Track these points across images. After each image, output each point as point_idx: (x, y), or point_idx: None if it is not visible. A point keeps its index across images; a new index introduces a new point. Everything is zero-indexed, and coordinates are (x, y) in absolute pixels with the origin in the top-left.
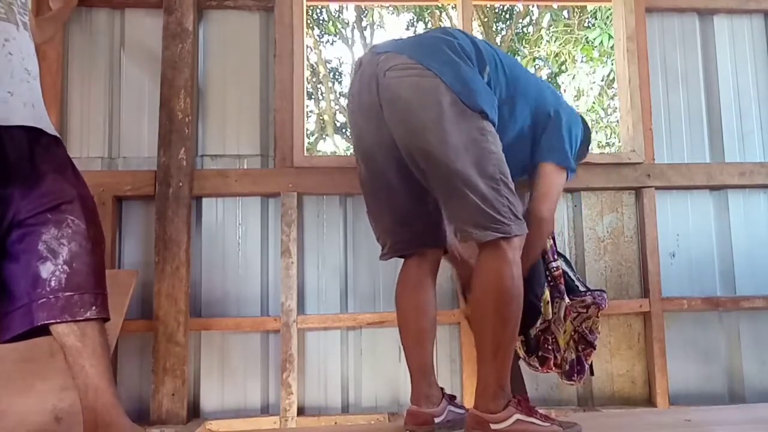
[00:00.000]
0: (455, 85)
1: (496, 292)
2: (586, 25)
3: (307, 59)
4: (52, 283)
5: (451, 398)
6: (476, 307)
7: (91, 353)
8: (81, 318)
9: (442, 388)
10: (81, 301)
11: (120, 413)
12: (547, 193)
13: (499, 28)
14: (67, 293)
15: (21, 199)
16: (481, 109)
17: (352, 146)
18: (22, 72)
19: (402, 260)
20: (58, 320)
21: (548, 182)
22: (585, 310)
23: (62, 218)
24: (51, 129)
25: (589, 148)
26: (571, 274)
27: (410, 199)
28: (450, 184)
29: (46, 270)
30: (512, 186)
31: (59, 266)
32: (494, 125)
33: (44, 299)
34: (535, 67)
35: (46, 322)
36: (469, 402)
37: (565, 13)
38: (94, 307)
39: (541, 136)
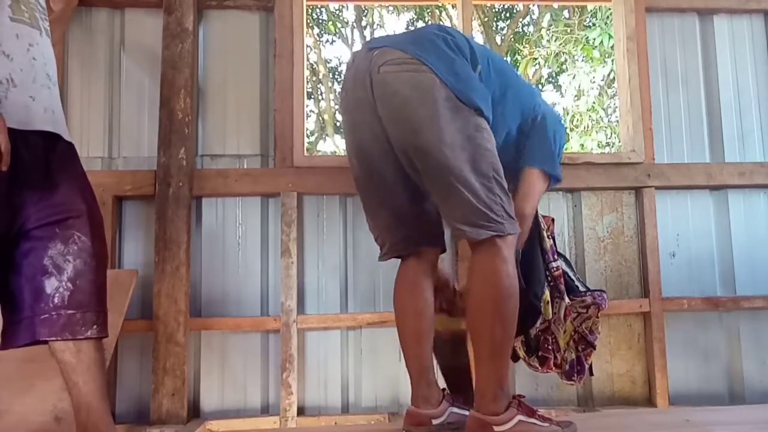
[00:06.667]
0: (450, 80)
1: (493, 291)
2: (586, 24)
3: (307, 59)
4: (56, 300)
5: (455, 399)
6: (473, 306)
7: (84, 370)
8: (81, 337)
9: (444, 389)
10: (83, 319)
11: (110, 431)
12: (529, 193)
13: (499, 27)
14: (69, 311)
15: (32, 206)
16: (476, 105)
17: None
18: (43, 77)
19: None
20: (59, 338)
21: (531, 184)
22: (585, 310)
23: (69, 234)
24: (68, 135)
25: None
26: (571, 274)
27: (406, 196)
28: (444, 182)
29: (50, 285)
30: (505, 185)
31: (63, 283)
32: (489, 122)
33: (46, 315)
34: (535, 66)
35: (47, 338)
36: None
37: (565, 12)
38: (95, 326)
39: (528, 140)
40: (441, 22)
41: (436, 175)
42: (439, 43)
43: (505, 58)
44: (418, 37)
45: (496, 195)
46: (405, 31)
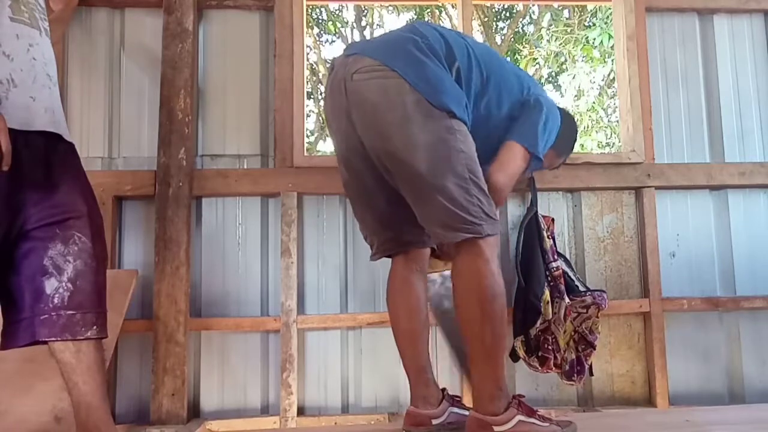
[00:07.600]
0: (420, 84)
1: (478, 292)
2: (586, 24)
3: (307, 59)
4: (55, 300)
5: (455, 399)
6: (461, 310)
7: (85, 370)
8: (81, 337)
9: (443, 389)
10: (83, 320)
11: (111, 430)
12: (506, 163)
13: (498, 27)
14: (69, 312)
15: (32, 206)
16: (448, 108)
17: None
18: (44, 77)
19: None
20: (59, 338)
21: (509, 156)
22: (585, 310)
23: (69, 234)
24: (68, 135)
25: (574, 145)
26: (571, 274)
27: (388, 200)
28: (417, 186)
29: (50, 286)
30: (484, 186)
31: (63, 283)
32: (465, 124)
33: (46, 315)
34: (535, 66)
35: (47, 339)
36: (470, 402)
37: (565, 12)
38: (94, 327)
39: (517, 120)
40: (441, 22)
41: (409, 180)
42: (410, 47)
43: (487, 44)
44: (390, 42)
45: (473, 196)
46: (381, 34)
